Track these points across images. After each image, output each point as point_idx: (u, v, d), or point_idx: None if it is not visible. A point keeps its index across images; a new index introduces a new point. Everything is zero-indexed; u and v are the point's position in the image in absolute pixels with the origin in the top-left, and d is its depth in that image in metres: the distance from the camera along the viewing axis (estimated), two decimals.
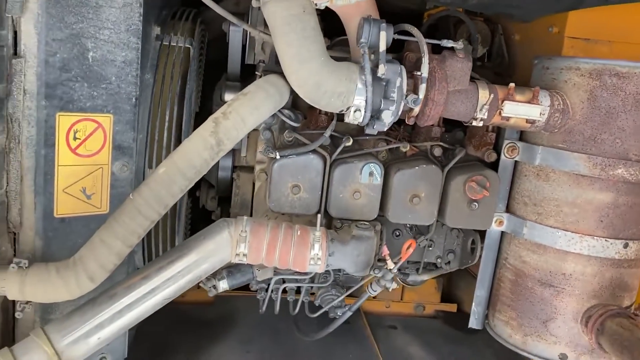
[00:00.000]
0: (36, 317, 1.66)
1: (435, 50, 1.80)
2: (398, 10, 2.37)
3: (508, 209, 2.07)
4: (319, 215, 1.79)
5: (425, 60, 1.67)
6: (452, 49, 1.75)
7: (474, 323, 2.19)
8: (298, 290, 2.19)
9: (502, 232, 2.10)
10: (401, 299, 2.95)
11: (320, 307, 2.14)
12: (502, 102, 1.78)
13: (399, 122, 1.86)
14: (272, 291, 2.09)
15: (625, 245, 1.84)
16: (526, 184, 1.98)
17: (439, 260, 2.26)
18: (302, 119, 2.00)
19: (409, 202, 1.97)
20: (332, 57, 1.67)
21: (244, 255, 1.70)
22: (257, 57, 2.04)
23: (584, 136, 1.81)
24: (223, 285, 1.95)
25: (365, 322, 2.78)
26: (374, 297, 2.11)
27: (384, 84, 1.67)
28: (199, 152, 1.53)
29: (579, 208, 1.85)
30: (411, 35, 1.72)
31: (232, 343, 2.47)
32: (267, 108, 1.67)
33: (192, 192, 2.39)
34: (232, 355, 2.39)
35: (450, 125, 2.11)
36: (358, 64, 1.69)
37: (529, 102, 1.79)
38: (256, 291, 2.15)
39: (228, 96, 2.07)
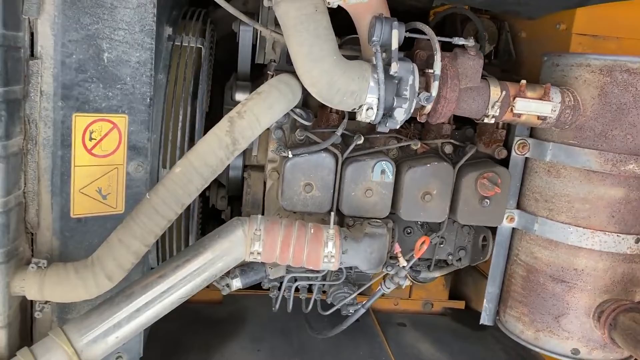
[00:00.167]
0: (53, 316, 1.67)
1: (444, 48, 1.81)
2: (404, 7, 2.38)
3: (519, 206, 2.08)
4: (332, 213, 1.79)
5: (438, 57, 1.68)
6: (462, 46, 1.76)
7: (485, 319, 2.20)
8: (309, 289, 2.20)
9: (513, 229, 2.11)
10: (409, 297, 2.97)
11: (332, 305, 2.15)
12: (514, 99, 1.79)
13: (410, 120, 1.86)
14: (284, 289, 2.10)
15: (637, 240, 1.85)
16: (537, 180, 1.99)
17: (450, 257, 2.27)
18: (313, 118, 2.01)
19: (421, 200, 1.98)
20: (343, 55, 1.67)
21: (258, 253, 1.71)
22: (267, 56, 2.05)
23: (594, 132, 1.82)
24: (236, 283, 1.95)
25: (374, 320, 2.79)
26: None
27: (397, 82, 1.67)
28: (215, 151, 1.54)
29: (590, 204, 1.86)
30: (422, 33, 1.73)
31: (242, 342, 2.49)
32: (280, 107, 1.68)
33: (202, 192, 2.39)
34: (244, 353, 2.41)
35: (459, 122, 2.12)
36: (370, 63, 1.70)
37: (540, 98, 1.80)
38: (268, 289, 2.16)
39: (239, 96, 2.08)
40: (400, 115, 1.71)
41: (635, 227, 1.85)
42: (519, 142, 2.01)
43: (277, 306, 2.15)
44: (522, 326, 2.04)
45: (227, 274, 1.95)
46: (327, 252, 1.75)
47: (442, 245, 2.25)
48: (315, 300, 2.18)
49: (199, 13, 2.08)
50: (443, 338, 2.71)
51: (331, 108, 1.96)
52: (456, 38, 1.74)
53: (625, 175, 1.81)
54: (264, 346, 2.46)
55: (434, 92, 1.69)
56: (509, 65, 2.41)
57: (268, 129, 1.97)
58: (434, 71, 1.68)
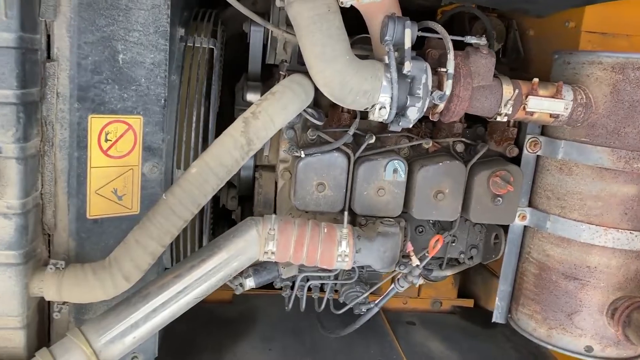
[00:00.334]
0: (70, 317, 1.67)
1: (455, 46, 1.81)
2: (412, 6, 2.38)
3: (531, 204, 2.08)
4: (345, 213, 1.80)
5: (451, 56, 1.68)
6: (473, 45, 1.77)
7: (497, 317, 2.20)
8: (321, 288, 2.20)
9: (525, 227, 2.11)
10: (418, 295, 2.97)
11: (344, 304, 2.16)
12: (526, 97, 1.80)
13: (421, 119, 1.86)
14: (297, 289, 2.11)
15: None
16: (549, 178, 1.99)
17: (462, 255, 2.27)
18: (325, 118, 2.01)
19: (433, 198, 1.99)
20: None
21: (272, 253, 1.71)
22: (278, 56, 2.05)
23: (607, 130, 1.82)
24: (250, 283, 1.96)
25: (384, 319, 2.79)
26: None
27: (409, 81, 1.68)
28: (230, 151, 1.55)
29: (602, 201, 1.86)
30: (434, 32, 1.73)
31: (253, 341, 2.49)
32: (294, 108, 1.69)
33: None
34: (255, 353, 2.41)
35: (470, 120, 2.12)
36: (382, 62, 1.70)
37: (552, 96, 1.80)
38: (280, 289, 2.17)
39: (250, 96, 2.08)
40: (414, 114, 1.71)
41: None
42: (530, 140, 2.01)
43: (290, 305, 2.16)
44: (535, 324, 2.05)
45: (241, 273, 1.95)
46: (341, 251, 1.76)
47: (454, 244, 2.26)
48: (327, 299, 2.18)
49: (210, 14, 2.08)
50: (453, 336, 2.71)
51: (343, 107, 1.96)
52: (468, 37, 1.75)
53: (638, 173, 1.81)
54: (275, 345, 2.47)
55: (448, 90, 1.70)
56: (517, 64, 2.41)
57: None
58: (447, 70, 1.69)
